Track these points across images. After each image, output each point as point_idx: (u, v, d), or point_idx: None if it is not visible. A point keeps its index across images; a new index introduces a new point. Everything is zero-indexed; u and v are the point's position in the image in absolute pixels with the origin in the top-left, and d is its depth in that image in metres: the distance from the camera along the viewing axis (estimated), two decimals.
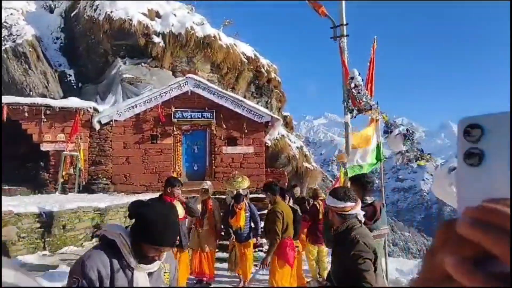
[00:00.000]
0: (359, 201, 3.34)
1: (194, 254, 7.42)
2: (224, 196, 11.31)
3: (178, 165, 14.35)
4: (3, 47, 15.02)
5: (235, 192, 8.43)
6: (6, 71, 14.96)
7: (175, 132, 14.30)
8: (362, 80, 4.91)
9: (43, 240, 6.81)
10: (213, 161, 14.51)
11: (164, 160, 14.14)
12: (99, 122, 13.83)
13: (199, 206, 7.04)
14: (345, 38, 6.02)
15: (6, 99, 12.79)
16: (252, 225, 7.77)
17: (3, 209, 6.05)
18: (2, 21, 16.02)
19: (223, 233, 7.86)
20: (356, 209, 3.19)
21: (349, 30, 6.13)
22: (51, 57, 16.94)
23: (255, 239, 8.25)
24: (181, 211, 5.40)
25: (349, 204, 3.13)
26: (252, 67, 18.73)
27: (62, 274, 4.90)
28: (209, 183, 7.78)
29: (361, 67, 5.58)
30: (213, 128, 14.45)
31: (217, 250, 8.16)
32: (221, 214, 7.84)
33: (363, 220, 3.30)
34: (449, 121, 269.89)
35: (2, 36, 15.48)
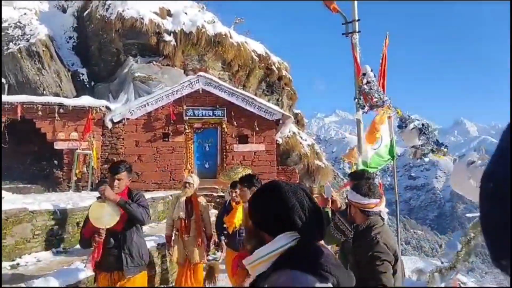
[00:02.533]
0: (384, 198, 3.15)
1: (180, 269, 6.05)
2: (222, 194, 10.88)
3: (189, 163, 14.41)
4: (16, 47, 15.21)
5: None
6: (20, 71, 15.15)
7: (187, 130, 14.35)
8: (375, 76, 4.86)
9: (57, 237, 6.88)
10: (224, 159, 14.53)
11: (176, 158, 14.21)
12: (112, 120, 13.94)
13: (181, 206, 5.73)
14: (357, 34, 5.97)
15: (20, 98, 12.96)
16: None
17: (17, 206, 6.13)
18: (16, 21, 16.22)
19: (216, 239, 6.24)
20: (380, 207, 3.00)
21: (361, 26, 6.09)
22: (64, 57, 17.11)
23: None
24: (110, 215, 3.63)
25: (373, 200, 2.95)
26: (263, 64, 18.70)
27: (76, 270, 4.95)
28: (194, 176, 6.15)
29: (373, 63, 5.53)
30: (224, 126, 14.47)
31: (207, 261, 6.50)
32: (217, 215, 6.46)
33: (386, 218, 3.16)
34: (462, 118, 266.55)
35: (16, 35, 15.67)
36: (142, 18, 16.13)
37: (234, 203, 5.74)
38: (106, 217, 3.60)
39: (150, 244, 6.76)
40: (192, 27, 16.76)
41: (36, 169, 13.68)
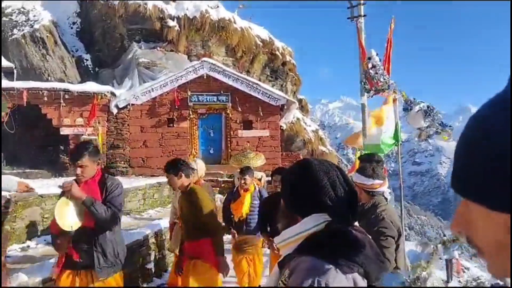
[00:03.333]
0: (387, 179, 3.36)
1: (176, 262, 5.23)
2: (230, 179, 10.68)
3: (194, 149, 14.48)
4: (21, 33, 15.22)
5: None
6: (25, 57, 15.17)
7: (191, 116, 14.40)
8: (380, 60, 4.88)
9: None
10: (229, 145, 14.60)
11: (181, 143, 14.29)
12: (116, 106, 14.00)
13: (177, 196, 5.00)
14: (362, 18, 5.96)
15: (25, 84, 13.01)
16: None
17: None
18: (19, 7, 16.19)
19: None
20: (383, 187, 3.21)
21: (366, 10, 6.06)
22: (68, 42, 17.09)
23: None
24: (76, 216, 3.14)
25: (377, 181, 3.14)
26: (267, 50, 18.62)
27: None
28: (198, 160, 5.67)
29: (378, 48, 5.52)
30: (228, 111, 14.50)
31: None
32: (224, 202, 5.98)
33: (389, 198, 3.34)
34: (469, 104, 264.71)
35: (20, 21, 15.67)
36: (145, 3, 16.07)
37: (242, 191, 5.48)
38: (70, 218, 3.06)
39: (146, 232, 6.69)
40: (196, 12, 16.69)
41: (43, 155, 13.81)
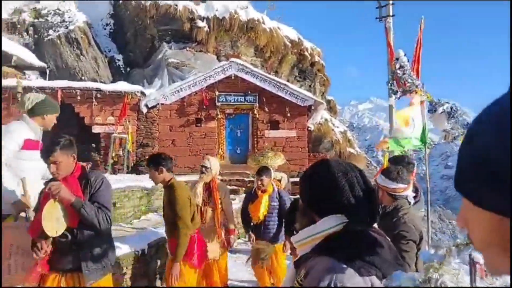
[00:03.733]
0: (412, 183, 3.28)
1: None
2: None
3: (221, 148, 14.61)
4: (56, 34, 15.75)
5: None
6: (60, 57, 15.70)
7: (219, 116, 14.52)
8: (408, 61, 4.78)
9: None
10: (255, 145, 14.63)
11: (208, 143, 14.43)
12: (146, 105, 14.27)
13: (199, 191, 4.97)
14: (391, 18, 5.86)
15: (60, 83, 13.47)
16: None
17: None
18: (55, 8, 16.76)
19: (237, 230, 5.45)
20: (407, 191, 3.14)
21: (395, 10, 5.96)
22: (101, 43, 17.59)
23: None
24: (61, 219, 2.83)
25: (401, 185, 3.07)
26: (295, 50, 18.57)
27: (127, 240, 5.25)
28: (212, 159, 5.25)
29: (407, 48, 5.42)
30: (255, 111, 14.53)
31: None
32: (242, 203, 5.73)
33: (412, 202, 3.26)
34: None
35: (55, 22, 16.22)
36: (175, 4, 16.34)
37: (259, 192, 5.23)
38: (56, 222, 2.79)
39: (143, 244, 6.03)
40: (225, 13, 16.82)
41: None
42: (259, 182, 5.21)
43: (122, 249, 5.04)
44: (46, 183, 2.94)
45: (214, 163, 5.11)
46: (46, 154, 2.94)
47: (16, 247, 2.99)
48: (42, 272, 2.90)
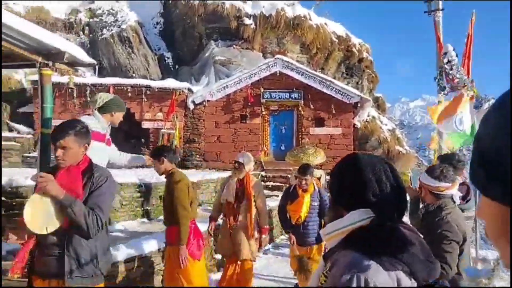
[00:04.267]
0: (457, 182, 3.14)
1: (227, 264, 5.03)
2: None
3: (265, 145, 14.67)
4: (109, 33, 16.46)
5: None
6: (113, 55, 16.41)
7: (263, 112, 14.59)
8: (457, 56, 4.57)
9: (142, 208, 7.47)
10: (300, 142, 14.55)
11: (253, 139, 14.54)
12: (193, 102, 14.60)
13: (232, 187, 4.81)
14: (440, 12, 5.63)
15: (112, 80, 14.10)
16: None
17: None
18: (109, 8, 17.51)
19: (271, 230, 5.21)
20: (451, 190, 3.01)
21: (444, 4, 5.71)
22: (151, 41, 18.18)
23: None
24: (51, 216, 2.47)
25: (443, 184, 2.96)
26: (342, 47, 18.27)
27: (157, 238, 5.36)
28: (246, 154, 5.07)
29: (457, 44, 5.20)
30: (300, 108, 14.46)
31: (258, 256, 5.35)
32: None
33: (458, 202, 3.14)
34: None
35: (108, 22, 16.95)
36: (223, 3, 16.57)
37: (300, 191, 5.04)
38: (45, 218, 2.45)
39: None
40: (272, 10, 16.85)
41: (126, 147, 14.81)
42: (303, 182, 4.99)
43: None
44: (35, 176, 2.59)
45: (248, 159, 4.90)
46: (56, 136, 2.56)
47: None
48: (15, 274, 2.60)
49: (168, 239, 4.23)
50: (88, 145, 2.70)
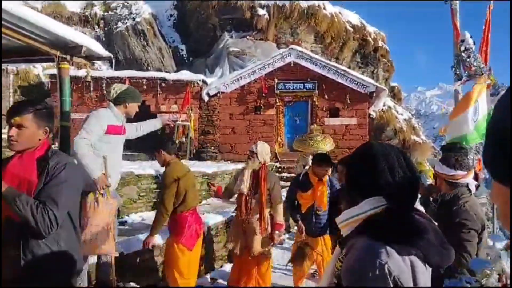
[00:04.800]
0: (473, 170, 3.13)
1: (237, 261, 4.74)
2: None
3: (280, 136, 14.68)
4: (124, 26, 16.58)
5: (309, 159, 5.76)
6: (128, 48, 16.54)
7: (278, 103, 14.57)
8: (474, 43, 4.50)
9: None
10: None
11: (267, 130, 14.55)
12: (208, 94, 14.66)
13: (246, 178, 4.54)
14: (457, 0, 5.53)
15: (128, 73, 14.24)
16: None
17: (125, 170, 6.82)
18: (123, 1, 17.62)
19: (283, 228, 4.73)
20: (467, 179, 3.00)
21: None
22: (165, 34, 18.26)
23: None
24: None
25: (459, 172, 2.95)
26: (357, 35, 18.09)
27: None
28: (261, 144, 4.70)
29: (474, 32, 5.10)
30: (315, 99, 14.40)
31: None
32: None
33: (474, 190, 3.12)
34: None
35: (123, 15, 17.07)
36: None
37: (317, 180, 4.83)
38: None
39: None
40: (285, 0, 16.73)
41: (141, 139, 15.00)
42: (322, 172, 4.80)
43: None
44: None
45: (262, 149, 4.58)
46: (12, 113, 2.18)
47: (88, 220, 3.32)
48: None
49: (169, 229, 4.31)
50: (50, 130, 2.28)
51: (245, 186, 4.49)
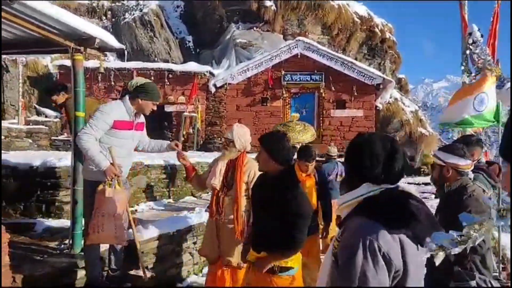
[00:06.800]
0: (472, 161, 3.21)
1: (211, 268, 3.82)
2: None
3: None
4: (131, 17, 16.62)
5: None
6: (135, 39, 16.60)
7: (284, 95, 14.58)
8: (482, 36, 4.51)
9: (168, 189, 7.68)
10: (321, 124, 14.55)
11: (274, 122, 14.56)
12: (214, 85, 14.71)
13: (218, 171, 3.70)
14: None
15: (135, 64, 14.32)
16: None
17: (134, 160, 6.89)
18: None
19: None
20: (471, 168, 3.08)
21: None
22: (172, 25, 18.27)
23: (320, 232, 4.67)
24: None
25: (468, 162, 3.01)
26: (365, 27, 18.01)
27: (185, 218, 5.55)
28: (238, 128, 3.85)
29: (483, 24, 5.11)
30: (321, 90, 14.39)
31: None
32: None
33: (471, 177, 3.19)
34: None
35: (130, 6, 17.11)
36: None
37: (304, 175, 4.47)
38: None
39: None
40: None
41: (149, 130, 15.10)
42: (304, 166, 4.46)
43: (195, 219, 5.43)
44: None
45: (240, 134, 3.72)
46: None
47: (98, 210, 3.40)
48: None
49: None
50: None
51: (217, 180, 3.66)
